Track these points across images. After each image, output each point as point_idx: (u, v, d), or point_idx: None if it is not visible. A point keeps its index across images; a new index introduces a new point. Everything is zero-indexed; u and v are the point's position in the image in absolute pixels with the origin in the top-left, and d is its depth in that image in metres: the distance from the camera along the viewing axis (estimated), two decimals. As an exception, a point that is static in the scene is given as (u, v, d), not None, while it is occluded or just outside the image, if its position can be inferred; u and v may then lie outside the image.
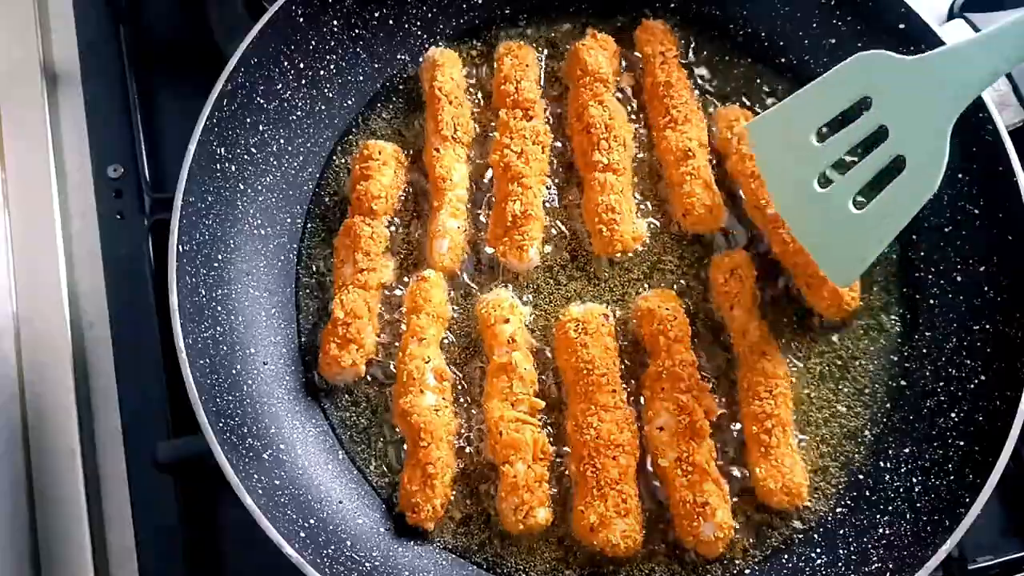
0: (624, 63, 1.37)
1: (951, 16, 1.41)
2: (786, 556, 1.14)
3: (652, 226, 1.29)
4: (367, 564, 1.09)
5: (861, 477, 1.17)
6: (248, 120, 1.22)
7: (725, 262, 1.23)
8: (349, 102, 1.34)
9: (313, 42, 1.28)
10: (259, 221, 1.25)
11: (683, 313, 1.20)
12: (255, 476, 1.06)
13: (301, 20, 1.25)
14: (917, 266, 1.26)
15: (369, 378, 1.22)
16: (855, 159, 1.09)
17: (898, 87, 1.03)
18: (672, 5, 1.39)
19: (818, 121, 1.10)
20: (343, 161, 1.33)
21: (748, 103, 1.35)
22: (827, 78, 1.08)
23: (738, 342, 1.20)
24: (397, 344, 1.22)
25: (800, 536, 1.15)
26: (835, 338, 1.23)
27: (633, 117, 1.35)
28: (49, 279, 1.33)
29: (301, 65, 1.27)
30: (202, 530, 1.22)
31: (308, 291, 1.27)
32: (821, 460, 1.18)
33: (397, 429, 1.19)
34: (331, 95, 1.32)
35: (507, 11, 1.39)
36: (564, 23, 1.40)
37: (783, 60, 1.37)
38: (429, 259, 1.26)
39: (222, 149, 1.19)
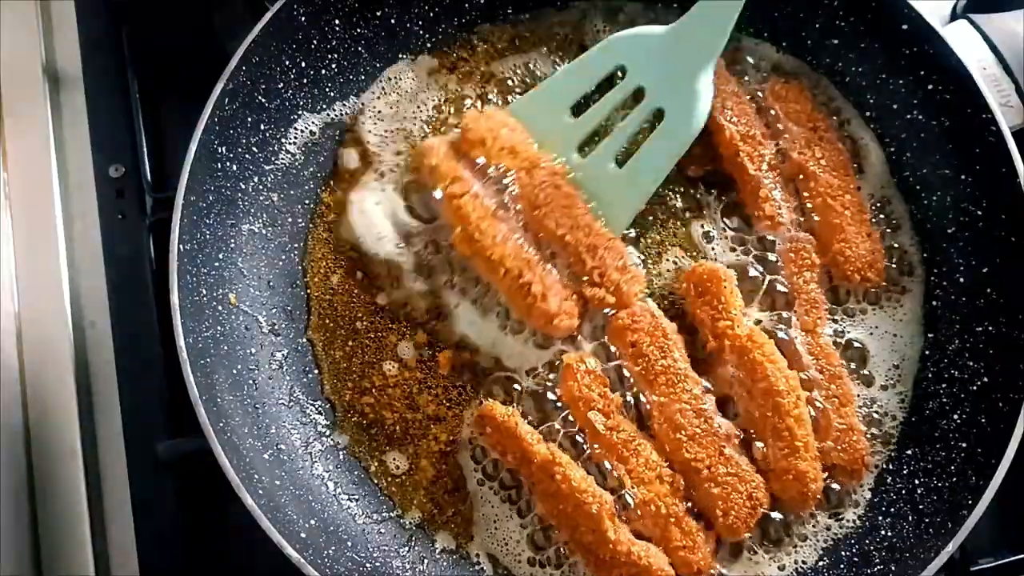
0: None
1: (954, 17, 1.40)
2: (786, 556, 1.14)
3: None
4: (368, 565, 1.09)
5: (863, 478, 1.17)
6: (249, 119, 1.22)
7: (697, 272, 1.17)
8: (350, 101, 1.34)
9: (315, 41, 1.28)
10: (260, 221, 1.25)
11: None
12: (255, 476, 1.06)
13: (303, 19, 1.25)
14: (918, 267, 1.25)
15: (370, 378, 1.22)
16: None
17: (652, 52, 1.14)
18: (674, 5, 1.39)
19: (571, 99, 1.18)
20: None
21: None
22: (583, 59, 1.18)
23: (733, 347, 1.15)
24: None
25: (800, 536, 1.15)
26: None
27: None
28: (51, 279, 1.33)
29: (303, 64, 1.27)
30: (202, 530, 1.22)
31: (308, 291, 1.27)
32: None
33: (398, 428, 1.19)
34: (332, 94, 1.32)
35: (509, 10, 1.39)
36: (565, 21, 1.39)
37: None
38: (430, 259, 1.25)
39: (223, 148, 1.19)
